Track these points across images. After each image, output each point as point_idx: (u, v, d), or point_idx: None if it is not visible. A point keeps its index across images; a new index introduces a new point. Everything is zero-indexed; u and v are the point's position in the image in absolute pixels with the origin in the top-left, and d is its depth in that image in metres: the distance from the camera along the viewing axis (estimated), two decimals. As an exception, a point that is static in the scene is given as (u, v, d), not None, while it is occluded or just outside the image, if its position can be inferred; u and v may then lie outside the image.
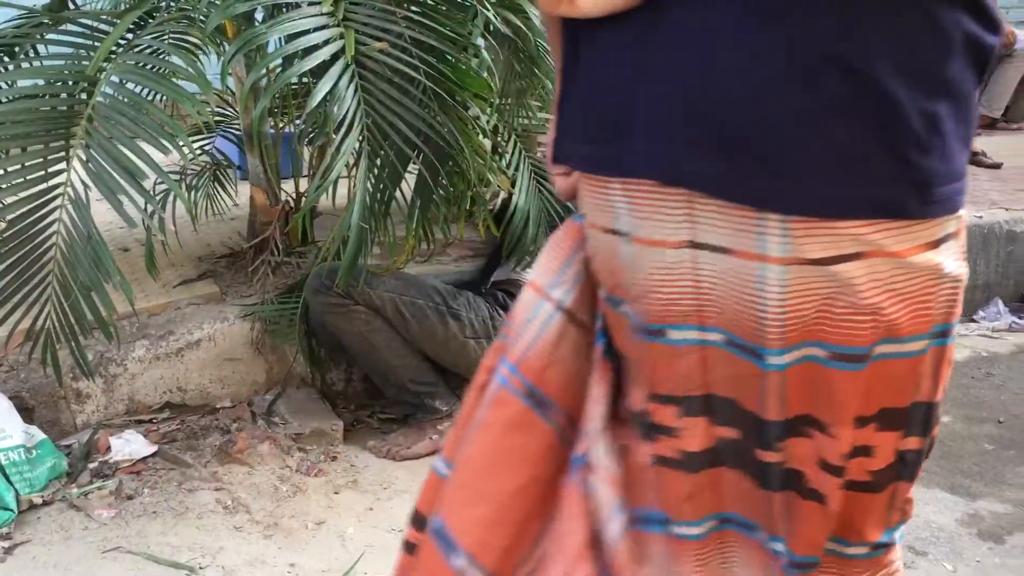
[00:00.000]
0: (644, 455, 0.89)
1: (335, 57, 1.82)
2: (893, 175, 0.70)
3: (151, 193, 1.87)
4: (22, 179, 1.85)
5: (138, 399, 2.26)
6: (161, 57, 2.11)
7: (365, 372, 2.42)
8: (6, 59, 2.24)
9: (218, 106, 2.91)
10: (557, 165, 0.97)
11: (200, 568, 1.75)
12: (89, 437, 2.12)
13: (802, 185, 0.70)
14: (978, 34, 0.71)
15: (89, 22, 2.14)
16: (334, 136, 1.81)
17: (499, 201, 2.63)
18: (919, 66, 0.69)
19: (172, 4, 2.33)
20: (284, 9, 2.01)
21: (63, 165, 1.83)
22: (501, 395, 0.93)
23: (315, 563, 1.79)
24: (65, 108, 1.90)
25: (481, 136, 2.15)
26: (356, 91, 1.83)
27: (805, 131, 0.69)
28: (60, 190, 1.84)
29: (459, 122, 2.01)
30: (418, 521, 1.00)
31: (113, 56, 1.95)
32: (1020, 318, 3.27)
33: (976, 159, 4.34)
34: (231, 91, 2.74)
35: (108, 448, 2.09)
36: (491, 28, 2.20)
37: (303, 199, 2.55)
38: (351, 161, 1.89)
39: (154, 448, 2.11)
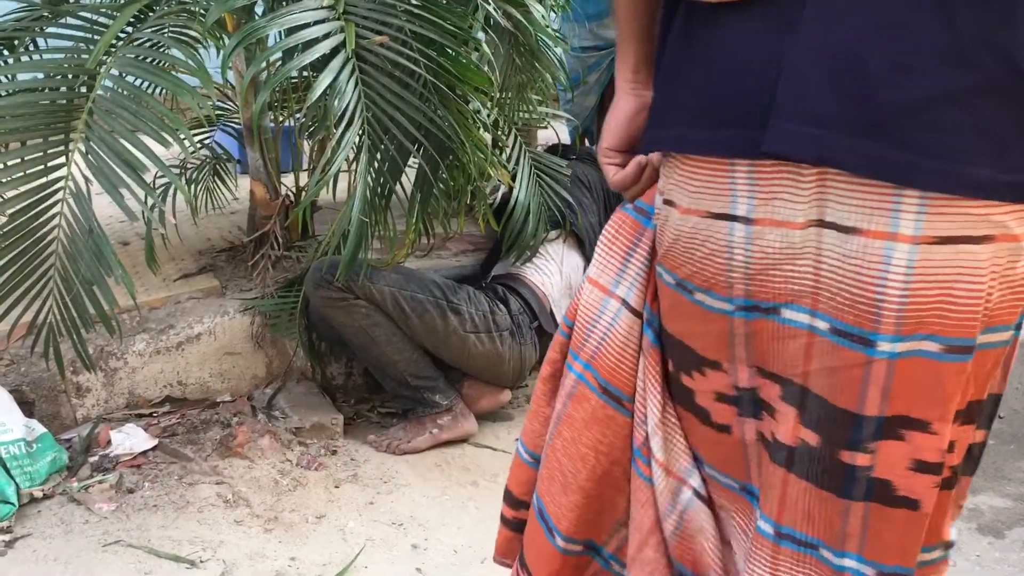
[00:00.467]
0: (750, 432, 0.89)
1: (335, 51, 1.82)
2: None
3: (151, 187, 1.87)
4: (22, 173, 1.84)
5: (138, 393, 2.26)
6: (161, 50, 2.11)
7: (365, 366, 2.42)
8: (6, 52, 2.23)
9: (218, 100, 2.91)
10: (615, 154, 0.99)
11: (201, 561, 1.75)
12: (89, 431, 2.13)
13: (948, 164, 0.71)
14: None
15: (89, 15, 2.13)
16: (334, 130, 1.81)
17: (499, 195, 2.63)
18: None
19: (172, -3, 2.32)
20: (284, 2, 2.01)
21: (63, 159, 1.83)
22: (580, 392, 1.00)
23: (316, 556, 1.80)
24: (65, 101, 1.89)
25: (481, 130, 2.15)
26: (356, 85, 1.83)
27: (957, 111, 0.71)
28: (61, 184, 1.83)
29: (459, 116, 2.01)
30: (511, 500, 1.14)
31: (113, 49, 1.95)
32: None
33: None
34: (231, 85, 2.73)
35: (108, 442, 2.09)
36: (491, 22, 2.20)
37: (303, 193, 2.55)
38: (351, 155, 1.88)
39: (154, 442, 2.11)
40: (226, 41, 2.25)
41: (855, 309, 0.76)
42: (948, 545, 0.87)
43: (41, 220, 1.86)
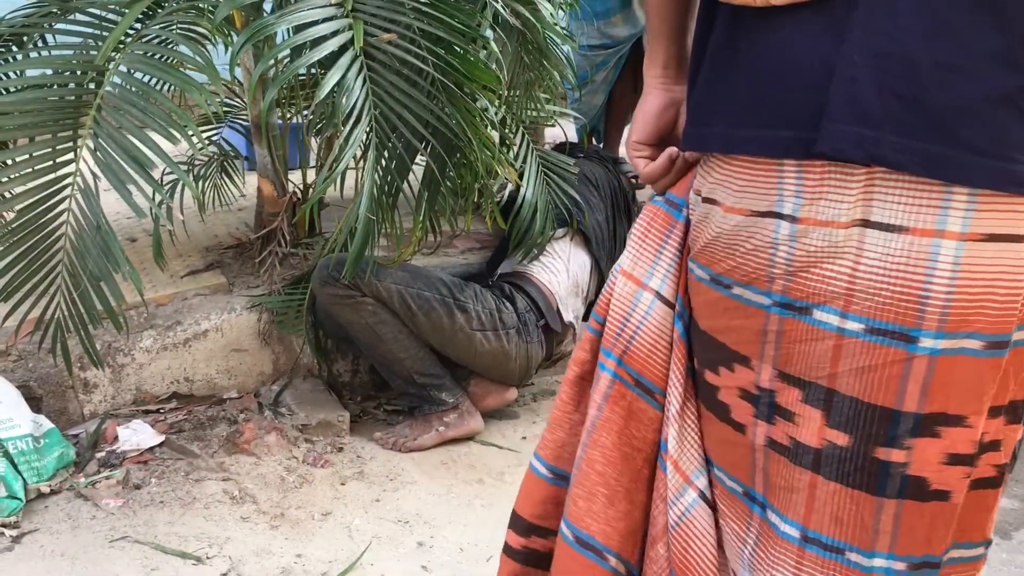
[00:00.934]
0: (760, 435, 0.89)
1: (343, 48, 1.82)
2: None
3: (159, 183, 1.87)
4: (31, 169, 1.85)
5: (145, 389, 2.27)
6: (170, 47, 2.11)
7: (371, 363, 2.43)
8: (15, 48, 2.24)
9: (226, 96, 2.91)
10: (644, 147, 1.00)
11: (207, 558, 1.75)
12: (97, 427, 2.13)
13: (999, 161, 0.73)
14: None
15: (98, 12, 2.14)
16: (342, 127, 1.81)
17: (506, 193, 2.63)
18: None
19: (180, -6, 2.32)
20: (292, 0, 2.01)
21: (72, 155, 1.84)
22: (616, 391, 0.99)
23: (322, 553, 1.80)
24: (74, 98, 1.90)
25: (489, 128, 2.14)
26: (364, 82, 1.83)
27: (1007, 111, 0.73)
28: (69, 180, 1.84)
29: (467, 114, 2.01)
30: (521, 526, 1.07)
31: (122, 46, 1.95)
32: None
33: None
34: (239, 82, 2.74)
35: (115, 438, 2.10)
36: (499, 19, 2.19)
37: (310, 190, 2.55)
38: (359, 152, 1.88)
39: (161, 438, 2.12)
40: (234, 38, 2.26)
41: (897, 307, 0.77)
42: (989, 543, 0.89)
43: (49, 216, 1.86)
